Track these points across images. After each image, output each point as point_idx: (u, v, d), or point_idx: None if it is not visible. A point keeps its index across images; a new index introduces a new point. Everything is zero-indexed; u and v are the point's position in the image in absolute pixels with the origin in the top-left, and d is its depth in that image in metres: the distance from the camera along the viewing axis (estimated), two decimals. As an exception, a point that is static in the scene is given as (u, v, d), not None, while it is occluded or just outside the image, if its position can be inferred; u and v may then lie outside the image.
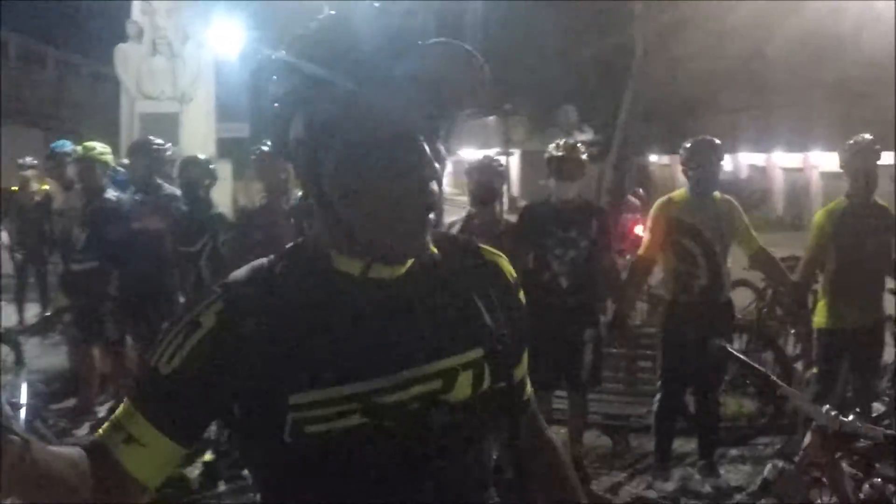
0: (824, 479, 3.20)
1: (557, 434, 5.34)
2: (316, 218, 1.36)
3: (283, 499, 1.35)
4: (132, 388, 1.33)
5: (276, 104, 1.30)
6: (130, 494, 1.29)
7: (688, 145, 5.20)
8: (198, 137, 12.44)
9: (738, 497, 5.07)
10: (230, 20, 17.74)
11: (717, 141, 5.21)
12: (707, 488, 5.21)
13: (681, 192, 5.26)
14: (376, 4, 1.27)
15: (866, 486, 3.20)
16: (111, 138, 9.61)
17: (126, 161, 6.82)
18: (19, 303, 9.82)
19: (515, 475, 1.52)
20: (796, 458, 3.31)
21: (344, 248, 1.32)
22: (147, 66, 12.93)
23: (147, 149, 6.30)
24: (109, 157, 6.56)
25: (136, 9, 12.91)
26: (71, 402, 6.64)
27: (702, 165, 5.10)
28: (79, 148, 6.65)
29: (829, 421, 3.06)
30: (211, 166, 6.19)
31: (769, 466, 3.29)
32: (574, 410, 5.45)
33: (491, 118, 38.66)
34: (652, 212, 5.30)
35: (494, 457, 1.48)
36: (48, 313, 7.68)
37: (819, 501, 3.31)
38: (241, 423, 1.30)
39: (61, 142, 7.42)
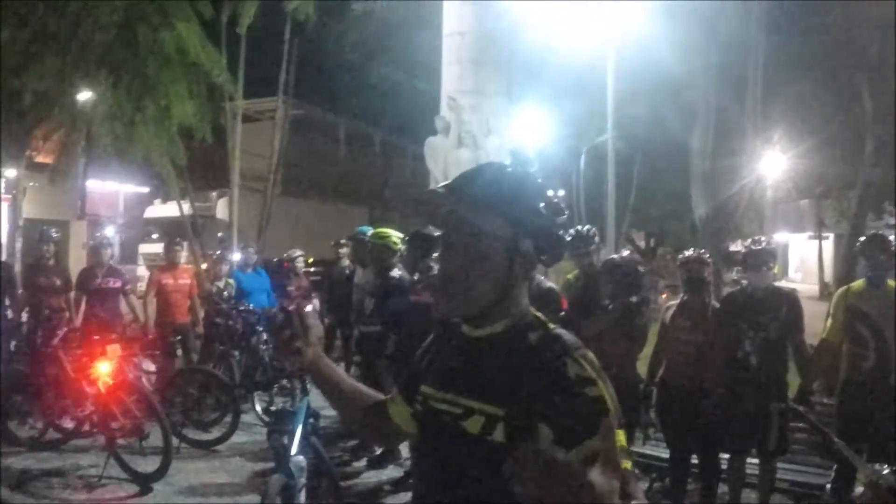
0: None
1: (748, 498, 5.99)
2: None
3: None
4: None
5: None
6: (392, 433, 2.37)
7: (863, 239, 5.80)
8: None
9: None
10: (530, 114, 19.53)
11: (891, 237, 5.75)
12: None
13: (859, 282, 5.84)
14: None
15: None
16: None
17: None
18: (325, 360, 11.47)
19: None
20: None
21: None
22: (453, 157, 14.40)
23: (419, 238, 7.67)
24: (395, 242, 7.99)
25: (444, 105, 14.64)
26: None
27: (874, 259, 5.67)
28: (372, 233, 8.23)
29: (879, 477, 3.65)
30: None
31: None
32: (763, 475, 6.09)
33: (804, 202, 37.23)
34: (834, 298, 5.89)
35: None
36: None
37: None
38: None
39: (363, 227, 9.11)
